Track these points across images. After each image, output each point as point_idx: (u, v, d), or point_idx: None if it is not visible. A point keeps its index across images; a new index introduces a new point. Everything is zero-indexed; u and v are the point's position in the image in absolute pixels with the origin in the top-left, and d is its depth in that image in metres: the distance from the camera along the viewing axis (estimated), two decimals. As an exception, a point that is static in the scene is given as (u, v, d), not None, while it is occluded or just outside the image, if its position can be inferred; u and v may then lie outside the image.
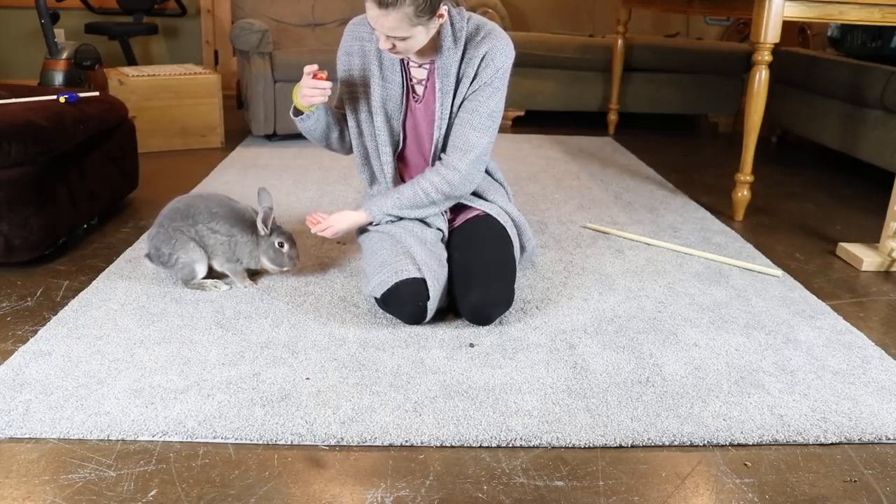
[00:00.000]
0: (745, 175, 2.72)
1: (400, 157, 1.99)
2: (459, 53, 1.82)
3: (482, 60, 1.82)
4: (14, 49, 4.78)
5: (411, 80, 1.91)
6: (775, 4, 2.44)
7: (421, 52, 1.85)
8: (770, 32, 2.47)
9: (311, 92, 1.81)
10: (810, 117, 3.68)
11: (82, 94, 2.43)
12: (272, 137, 3.77)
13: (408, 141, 1.96)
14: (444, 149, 1.91)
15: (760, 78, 2.56)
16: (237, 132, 3.93)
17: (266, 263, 1.97)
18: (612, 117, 4.28)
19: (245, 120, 3.90)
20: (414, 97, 1.92)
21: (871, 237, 2.55)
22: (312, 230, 1.91)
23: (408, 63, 1.90)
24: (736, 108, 4.47)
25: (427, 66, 1.88)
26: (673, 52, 4.34)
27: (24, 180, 2.01)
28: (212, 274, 1.98)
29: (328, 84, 1.80)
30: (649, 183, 3.23)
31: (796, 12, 2.48)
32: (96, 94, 2.52)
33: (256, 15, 3.93)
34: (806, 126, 3.73)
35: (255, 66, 3.52)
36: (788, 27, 3.99)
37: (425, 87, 1.90)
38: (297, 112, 1.93)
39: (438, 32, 1.80)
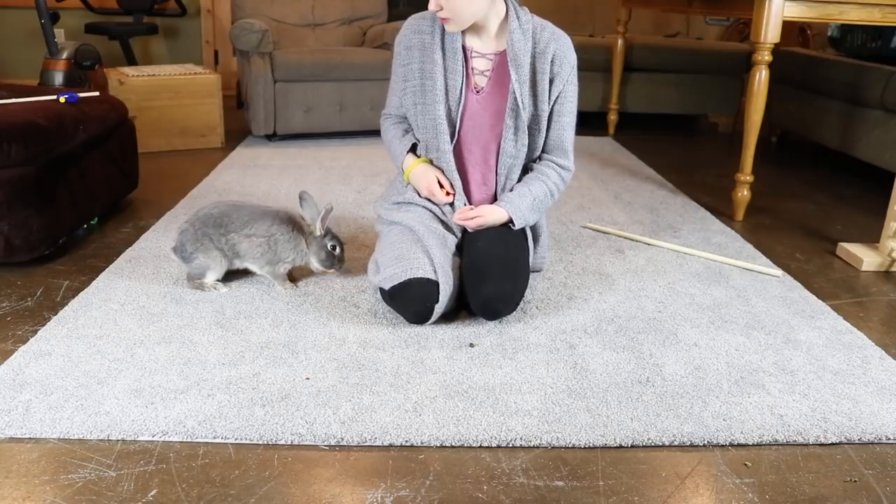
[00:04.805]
0: (745, 175, 2.72)
1: (452, 148, 1.97)
2: (530, 45, 1.87)
3: (555, 57, 1.88)
4: (14, 49, 4.78)
5: (472, 70, 1.92)
6: (775, 4, 2.44)
7: (485, 39, 1.89)
8: (770, 32, 2.47)
9: (433, 198, 1.94)
10: (810, 117, 3.68)
11: (82, 94, 2.43)
12: (272, 137, 3.78)
13: (463, 131, 1.94)
14: (541, 145, 1.94)
15: (760, 78, 2.56)
16: (237, 132, 3.93)
17: (314, 263, 2.00)
18: (612, 117, 4.28)
19: (245, 120, 3.90)
20: (474, 88, 1.92)
21: (871, 237, 2.55)
22: (456, 218, 1.91)
23: (471, 54, 1.91)
24: (736, 108, 4.47)
25: (492, 58, 1.90)
26: (673, 52, 4.34)
27: (24, 180, 2.01)
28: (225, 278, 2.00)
29: (449, 200, 1.94)
30: (649, 183, 3.23)
31: (796, 12, 2.48)
32: (96, 94, 2.52)
33: (256, 15, 3.93)
34: (806, 126, 3.73)
35: (255, 66, 3.52)
36: (788, 27, 3.99)
37: (489, 79, 1.91)
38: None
39: (505, 20, 1.87)
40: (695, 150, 4.02)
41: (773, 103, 3.61)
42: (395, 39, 1.96)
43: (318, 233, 1.97)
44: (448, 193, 1.94)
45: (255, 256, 1.95)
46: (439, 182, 1.94)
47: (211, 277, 1.95)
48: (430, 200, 1.97)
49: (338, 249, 2.00)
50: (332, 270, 2.02)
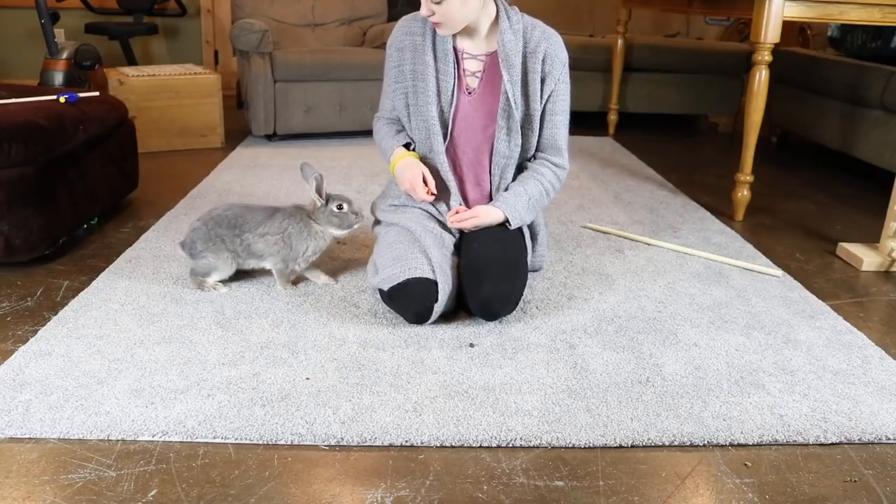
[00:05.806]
0: (745, 175, 2.72)
1: (445, 149, 1.97)
2: (521, 45, 1.86)
3: (546, 56, 1.87)
4: (14, 49, 4.78)
5: (464, 72, 1.91)
6: (775, 4, 2.44)
7: (476, 41, 1.89)
8: (770, 32, 2.47)
9: (413, 193, 1.90)
10: (810, 117, 3.68)
11: (82, 94, 2.43)
12: (272, 137, 3.78)
13: (456, 133, 1.94)
14: (534, 144, 1.93)
15: (760, 78, 2.56)
16: (237, 132, 3.93)
17: (335, 231, 1.97)
18: (612, 117, 4.28)
19: (245, 120, 3.90)
20: (466, 89, 1.92)
21: (871, 237, 2.54)
22: (451, 221, 1.91)
23: (462, 55, 1.91)
24: (736, 108, 4.47)
25: (483, 59, 1.90)
26: (673, 52, 4.34)
27: (24, 180, 2.01)
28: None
29: (429, 199, 1.91)
30: (649, 183, 3.23)
31: (796, 12, 2.48)
32: (96, 94, 2.52)
33: (256, 15, 3.93)
34: (806, 126, 3.73)
35: (255, 66, 3.52)
36: (788, 27, 3.99)
37: (481, 80, 1.91)
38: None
39: (496, 21, 1.86)
40: (695, 150, 4.02)
41: (773, 103, 3.61)
42: (387, 41, 1.96)
43: (319, 203, 1.94)
44: (430, 193, 1.90)
45: (272, 254, 1.95)
46: (424, 179, 1.90)
47: (215, 277, 1.95)
48: (410, 196, 1.95)
49: (345, 206, 1.95)
50: (356, 226, 1.98)
